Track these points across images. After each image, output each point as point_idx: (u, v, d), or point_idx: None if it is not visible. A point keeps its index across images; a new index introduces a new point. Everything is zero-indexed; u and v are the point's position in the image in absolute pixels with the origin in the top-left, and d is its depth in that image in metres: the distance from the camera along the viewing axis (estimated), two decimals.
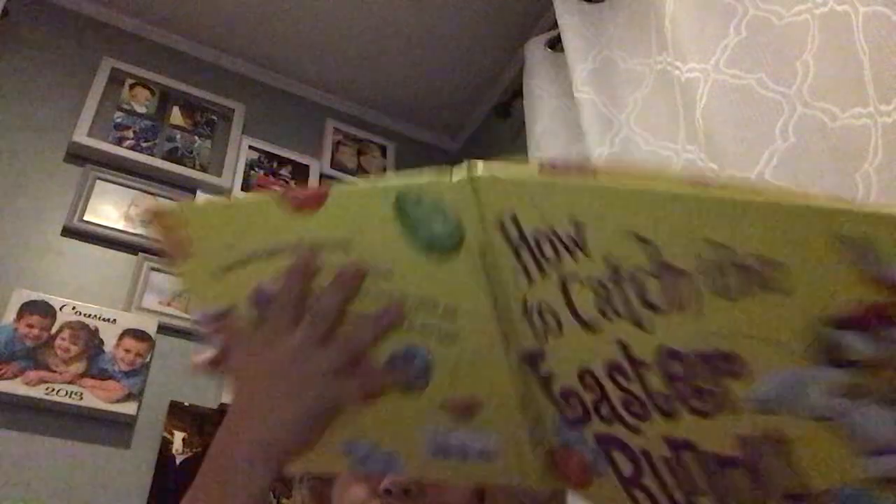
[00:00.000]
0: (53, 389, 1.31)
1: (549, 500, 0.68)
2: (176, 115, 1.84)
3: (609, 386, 0.40)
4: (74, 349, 1.38)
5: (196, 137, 1.83)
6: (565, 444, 0.45)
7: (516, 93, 1.82)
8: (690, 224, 0.31)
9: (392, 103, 2.19)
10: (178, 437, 1.39)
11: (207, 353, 0.50)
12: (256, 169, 1.88)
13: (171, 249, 0.47)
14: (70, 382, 1.34)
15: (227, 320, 0.48)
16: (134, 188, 1.66)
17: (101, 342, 1.41)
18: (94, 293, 1.48)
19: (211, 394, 1.48)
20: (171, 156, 1.75)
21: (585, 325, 0.39)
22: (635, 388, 0.39)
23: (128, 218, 1.61)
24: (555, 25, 1.58)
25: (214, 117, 1.90)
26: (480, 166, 0.39)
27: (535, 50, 1.68)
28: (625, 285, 0.36)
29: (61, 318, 1.40)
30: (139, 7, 1.91)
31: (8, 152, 1.57)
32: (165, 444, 1.37)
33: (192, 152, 1.80)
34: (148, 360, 1.44)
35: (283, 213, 0.43)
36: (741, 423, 0.35)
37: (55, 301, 1.41)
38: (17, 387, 1.29)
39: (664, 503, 0.41)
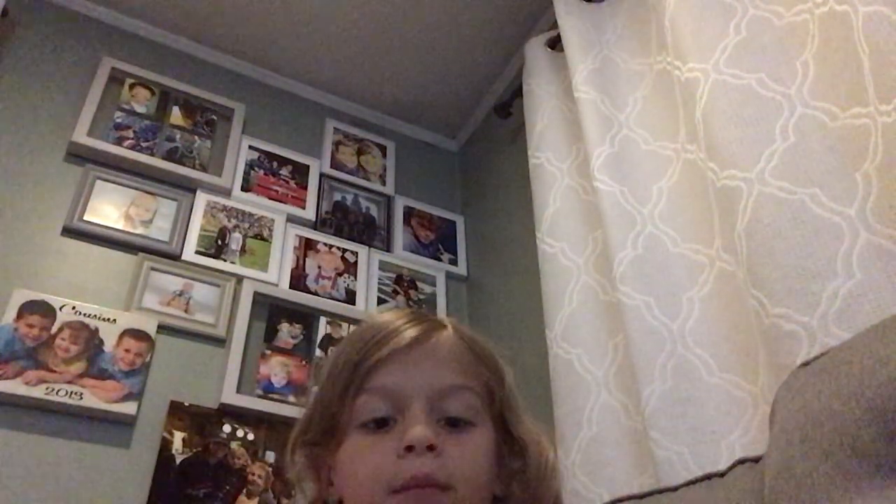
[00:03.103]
0: (53, 389, 1.31)
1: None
2: (176, 115, 1.84)
3: None
4: (74, 349, 1.38)
5: (196, 137, 1.83)
6: None
7: (516, 93, 1.82)
8: None
9: (392, 103, 2.20)
10: (178, 437, 1.39)
11: None
12: (256, 169, 1.88)
13: None
14: (70, 382, 1.34)
15: None
16: (134, 188, 1.66)
17: (101, 342, 1.41)
18: (94, 293, 1.48)
19: (211, 394, 1.48)
20: (170, 156, 1.75)
21: None
22: None
23: (128, 218, 1.61)
24: (555, 25, 1.59)
25: (214, 117, 1.90)
26: None
27: (535, 50, 1.68)
28: None
29: (61, 317, 1.40)
30: (139, 7, 1.91)
31: (8, 152, 1.57)
32: (165, 444, 1.37)
33: (192, 152, 1.80)
34: (148, 360, 1.43)
35: None
36: None
37: (55, 301, 1.41)
38: (16, 387, 1.29)
39: None
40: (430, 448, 0.58)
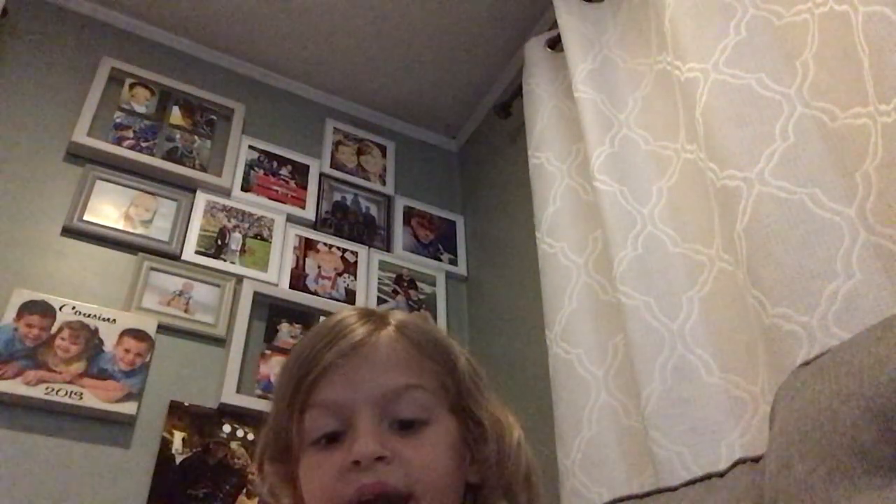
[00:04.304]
0: (53, 389, 1.31)
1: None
2: (176, 115, 1.84)
3: None
4: (74, 349, 1.38)
5: (196, 137, 1.83)
6: None
7: (516, 93, 1.82)
8: None
9: (392, 103, 2.19)
10: (178, 437, 1.39)
11: None
12: (256, 169, 1.88)
13: None
14: (70, 382, 1.34)
15: None
16: (134, 188, 1.66)
17: (101, 342, 1.41)
18: (94, 293, 1.48)
19: (211, 394, 1.48)
20: (170, 156, 1.75)
21: None
22: None
23: (128, 218, 1.61)
24: (555, 25, 1.59)
25: (214, 117, 1.90)
26: None
27: (535, 50, 1.68)
28: None
29: (61, 317, 1.40)
30: (139, 7, 1.91)
31: (8, 152, 1.57)
32: (165, 444, 1.37)
33: (191, 152, 1.80)
34: (148, 359, 1.43)
35: None
36: None
37: (55, 301, 1.41)
38: (16, 387, 1.29)
39: None
40: (380, 459, 0.57)
